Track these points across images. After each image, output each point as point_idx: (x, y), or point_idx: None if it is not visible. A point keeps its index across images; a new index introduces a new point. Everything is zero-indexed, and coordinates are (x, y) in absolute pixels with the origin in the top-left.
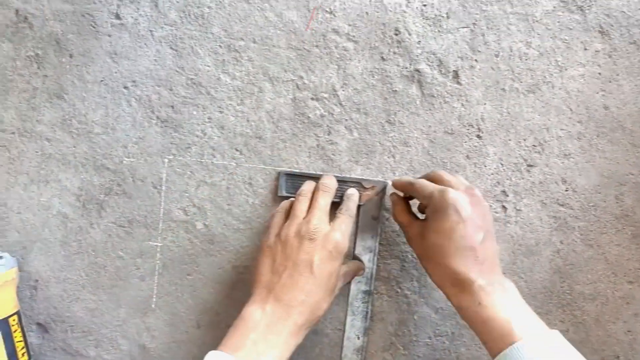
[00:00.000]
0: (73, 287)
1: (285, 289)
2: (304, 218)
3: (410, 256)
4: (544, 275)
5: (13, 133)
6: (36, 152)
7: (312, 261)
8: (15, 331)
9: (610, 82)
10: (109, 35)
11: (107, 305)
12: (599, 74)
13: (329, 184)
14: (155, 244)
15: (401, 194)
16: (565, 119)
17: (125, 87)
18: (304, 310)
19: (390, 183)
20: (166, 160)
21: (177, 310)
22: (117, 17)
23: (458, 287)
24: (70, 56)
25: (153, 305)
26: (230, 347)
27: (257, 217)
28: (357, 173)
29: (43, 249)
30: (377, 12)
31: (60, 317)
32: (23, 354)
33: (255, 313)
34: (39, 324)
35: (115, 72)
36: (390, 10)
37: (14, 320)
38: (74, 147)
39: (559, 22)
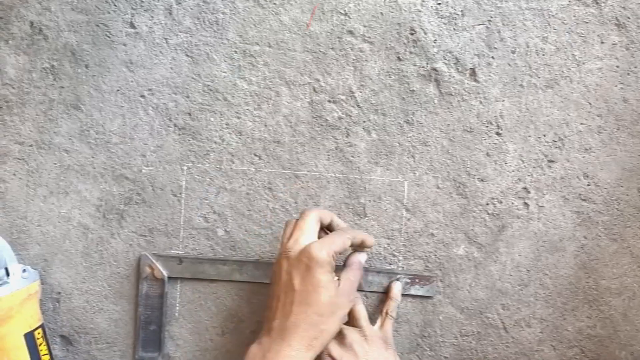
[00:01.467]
0: (96, 298)
1: (274, 317)
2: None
3: (433, 256)
4: (569, 272)
5: (31, 145)
6: (55, 163)
7: (291, 279)
8: (40, 344)
9: (628, 74)
10: (124, 45)
11: (131, 315)
12: (617, 66)
13: (308, 210)
14: (177, 252)
15: None
16: (585, 113)
17: (142, 96)
18: (298, 331)
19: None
20: (185, 167)
21: (200, 318)
22: (132, 26)
23: None
24: (86, 67)
25: (177, 314)
26: None
27: (278, 222)
28: (377, 174)
29: (64, 260)
30: (392, 12)
31: (83, 329)
32: None
33: (252, 348)
34: (62, 337)
35: (132, 81)
36: (405, 10)
37: (39, 333)
38: (93, 157)
39: (574, 16)
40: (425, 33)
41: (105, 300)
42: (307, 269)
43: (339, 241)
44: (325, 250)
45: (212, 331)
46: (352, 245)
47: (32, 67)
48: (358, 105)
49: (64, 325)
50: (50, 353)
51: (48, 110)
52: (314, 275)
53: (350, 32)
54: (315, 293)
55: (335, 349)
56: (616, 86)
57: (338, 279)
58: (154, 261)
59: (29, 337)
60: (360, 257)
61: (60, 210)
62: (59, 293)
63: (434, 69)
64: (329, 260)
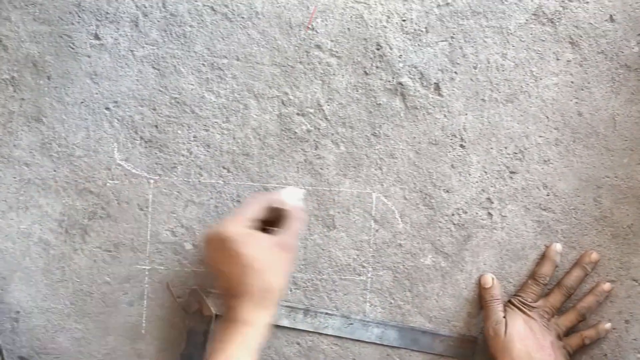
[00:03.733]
0: (57, 317)
1: (223, 295)
2: None
3: (402, 267)
4: None
5: None
6: (14, 177)
7: (216, 263)
8: None
9: (582, 90)
10: (89, 56)
11: (94, 333)
12: (572, 82)
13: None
14: (143, 267)
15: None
16: (543, 126)
17: (107, 108)
18: (245, 301)
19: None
20: (152, 181)
21: (168, 334)
22: (97, 37)
23: None
24: (48, 78)
25: (143, 331)
26: None
27: None
28: (345, 186)
29: (24, 278)
30: (359, 27)
31: (44, 349)
32: None
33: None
34: (21, 358)
35: (96, 93)
36: (371, 26)
37: None
38: (55, 171)
39: (531, 34)
40: (390, 48)
41: (68, 319)
42: (223, 248)
43: (249, 209)
44: (232, 224)
45: (180, 348)
46: (274, 206)
47: None
48: (326, 118)
49: (23, 346)
50: None
51: (7, 123)
52: (231, 252)
53: (318, 47)
54: (241, 267)
55: None
56: (571, 100)
57: (273, 233)
58: (203, 297)
59: None
60: (292, 198)
61: (19, 225)
62: (18, 312)
63: (400, 84)
64: (241, 232)
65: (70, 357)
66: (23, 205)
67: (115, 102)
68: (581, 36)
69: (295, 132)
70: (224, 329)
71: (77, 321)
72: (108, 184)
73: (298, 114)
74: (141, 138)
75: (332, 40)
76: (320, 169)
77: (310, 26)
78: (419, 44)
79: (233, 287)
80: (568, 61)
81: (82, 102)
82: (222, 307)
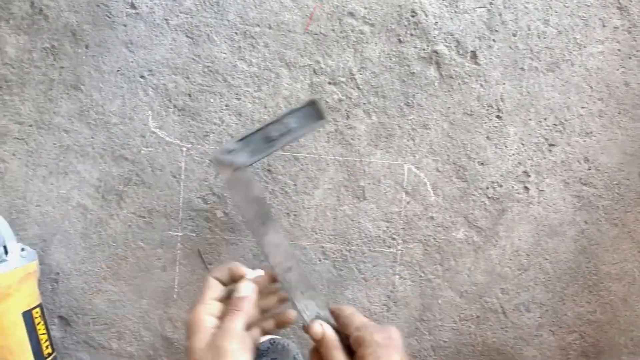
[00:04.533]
0: (94, 279)
1: None
2: None
3: (433, 240)
4: (569, 256)
5: (31, 125)
6: (54, 144)
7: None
8: (38, 323)
9: (630, 58)
10: (125, 25)
11: (129, 296)
12: (619, 50)
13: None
14: (176, 233)
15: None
16: (586, 96)
17: (142, 77)
18: None
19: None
20: (184, 149)
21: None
22: (133, 6)
23: None
24: (86, 47)
25: (175, 296)
26: None
27: (277, 205)
28: (376, 157)
29: (63, 241)
30: None
31: (82, 310)
32: (47, 347)
33: None
34: (61, 317)
35: (132, 62)
36: None
37: (37, 312)
38: (92, 138)
39: None
40: (426, 15)
41: (104, 282)
42: (186, 337)
43: (203, 292)
44: (190, 312)
45: None
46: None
47: (32, 47)
48: (358, 88)
49: (62, 306)
50: (48, 332)
51: (48, 91)
52: (188, 342)
53: (351, 14)
54: (207, 354)
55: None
56: (617, 70)
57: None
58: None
59: (27, 316)
60: (242, 290)
61: (59, 190)
62: (58, 274)
63: (435, 52)
64: (195, 319)
65: (106, 319)
66: (62, 170)
67: (150, 70)
68: (630, 0)
69: (327, 102)
70: None
71: (112, 284)
72: (142, 151)
73: (330, 83)
74: (175, 106)
75: (365, 7)
76: (351, 139)
77: (309, 27)
78: (455, 11)
79: None
80: (615, 27)
81: (118, 71)
82: None
